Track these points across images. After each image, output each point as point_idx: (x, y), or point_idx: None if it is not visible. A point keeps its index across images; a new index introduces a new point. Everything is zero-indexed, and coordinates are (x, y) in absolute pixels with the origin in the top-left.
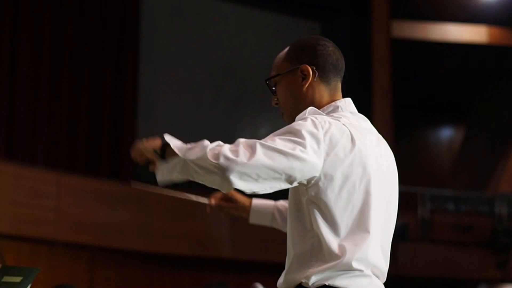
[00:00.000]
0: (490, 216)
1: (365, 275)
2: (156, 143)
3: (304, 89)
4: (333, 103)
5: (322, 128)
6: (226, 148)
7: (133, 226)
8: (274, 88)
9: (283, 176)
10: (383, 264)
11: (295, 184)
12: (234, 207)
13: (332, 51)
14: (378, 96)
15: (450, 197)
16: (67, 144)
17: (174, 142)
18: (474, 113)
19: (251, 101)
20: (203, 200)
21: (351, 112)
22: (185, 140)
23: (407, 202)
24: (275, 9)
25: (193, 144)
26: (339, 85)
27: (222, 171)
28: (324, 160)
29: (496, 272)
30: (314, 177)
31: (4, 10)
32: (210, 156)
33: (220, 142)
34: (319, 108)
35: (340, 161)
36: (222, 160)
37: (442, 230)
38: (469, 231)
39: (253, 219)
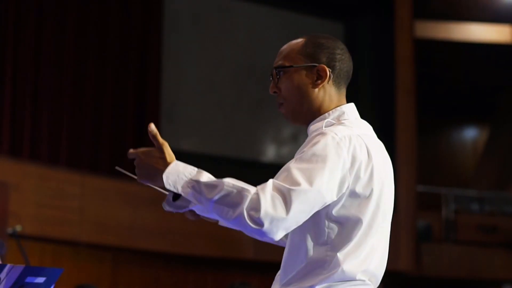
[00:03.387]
0: None
1: (366, 284)
2: (160, 165)
3: (317, 89)
4: (338, 108)
5: (344, 145)
6: (266, 208)
7: (156, 226)
8: (278, 77)
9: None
10: (381, 273)
11: None
12: None
13: (348, 58)
14: (401, 97)
15: (474, 198)
16: (90, 145)
17: (186, 189)
18: (498, 113)
19: (274, 101)
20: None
21: (356, 118)
22: (207, 140)
23: (431, 202)
24: (299, 9)
25: (207, 188)
26: (345, 92)
27: (266, 234)
28: (347, 179)
29: None
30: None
31: (28, 13)
32: (248, 220)
33: (243, 188)
34: (325, 112)
35: (360, 177)
36: (266, 226)
37: (466, 231)
38: (493, 231)
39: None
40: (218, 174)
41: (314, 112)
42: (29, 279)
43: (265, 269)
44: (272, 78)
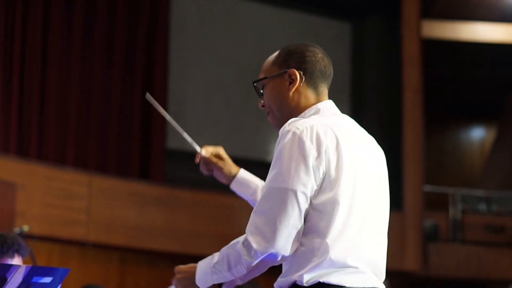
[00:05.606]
0: None
1: (361, 272)
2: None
3: (291, 93)
4: (314, 106)
5: (306, 136)
6: (255, 238)
7: (164, 226)
8: (261, 91)
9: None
10: (380, 260)
11: None
12: (222, 164)
13: (321, 58)
14: (408, 97)
15: (481, 198)
16: (97, 145)
17: (214, 277)
18: (505, 113)
19: None
20: (196, 147)
21: (333, 113)
22: (213, 140)
23: (438, 202)
24: (305, 9)
25: (220, 265)
26: (326, 91)
27: (277, 255)
28: (320, 166)
29: None
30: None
31: (35, 14)
32: (254, 257)
33: (233, 244)
34: (302, 112)
35: (330, 160)
36: (267, 249)
37: (473, 231)
38: (501, 231)
39: (234, 186)
40: None
41: (293, 115)
42: (36, 279)
43: (273, 269)
44: (258, 94)
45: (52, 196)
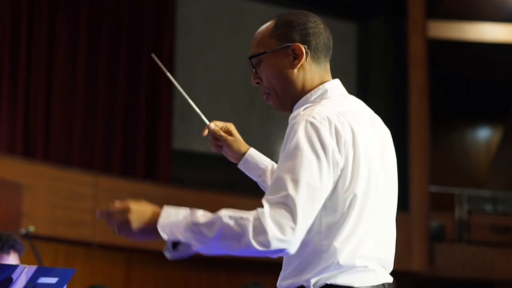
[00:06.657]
0: None
1: (369, 270)
2: (146, 216)
3: (295, 70)
4: (321, 86)
5: (325, 128)
6: (272, 232)
7: None
8: (258, 66)
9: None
10: (388, 254)
11: None
12: (231, 141)
13: (323, 29)
14: (414, 97)
15: (487, 198)
16: (103, 145)
17: (186, 235)
18: (511, 114)
19: None
20: (204, 118)
21: (340, 95)
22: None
23: (444, 202)
24: (311, 10)
25: (206, 227)
26: (328, 66)
27: (282, 252)
28: (339, 162)
29: None
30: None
31: (41, 16)
32: (259, 246)
33: (241, 217)
34: (308, 92)
35: (348, 157)
36: (281, 246)
37: (479, 231)
38: (506, 232)
39: (242, 165)
40: (230, 175)
41: (299, 95)
42: (42, 280)
43: (278, 270)
44: (253, 70)
45: (58, 196)
